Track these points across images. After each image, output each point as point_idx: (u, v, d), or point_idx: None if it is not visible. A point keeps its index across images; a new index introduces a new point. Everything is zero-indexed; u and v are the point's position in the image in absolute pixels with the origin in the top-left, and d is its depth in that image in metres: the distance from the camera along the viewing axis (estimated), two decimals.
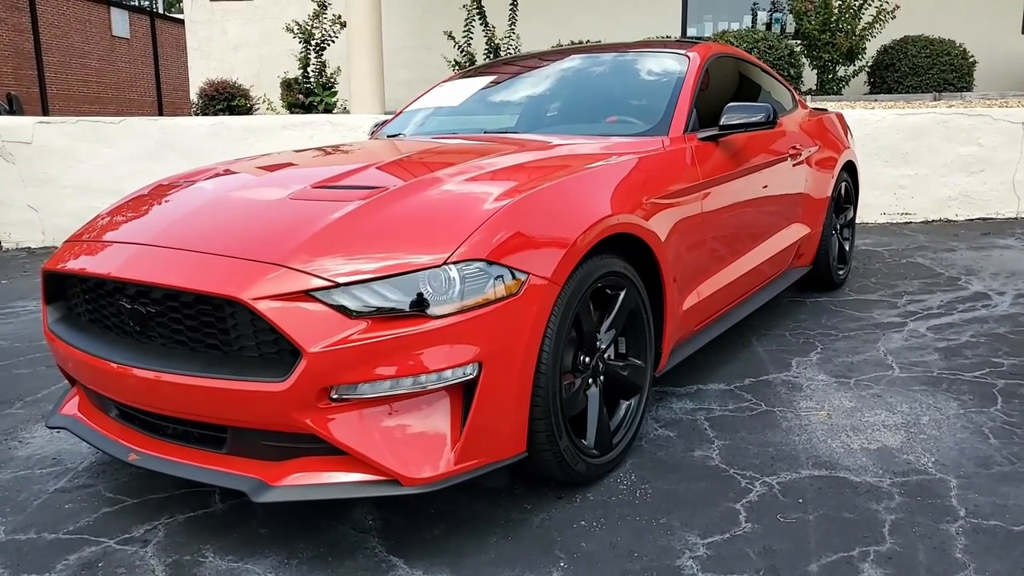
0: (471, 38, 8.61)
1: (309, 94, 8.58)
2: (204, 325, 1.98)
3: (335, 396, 1.86)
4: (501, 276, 1.95)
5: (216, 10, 10.15)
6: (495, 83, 3.72)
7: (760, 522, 2.11)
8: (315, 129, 6.87)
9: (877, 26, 8.03)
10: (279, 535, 2.15)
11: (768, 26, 9.58)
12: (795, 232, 3.82)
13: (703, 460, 2.48)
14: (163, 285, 1.97)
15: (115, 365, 2.07)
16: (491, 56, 8.60)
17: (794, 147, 3.74)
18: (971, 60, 8.36)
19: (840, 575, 1.86)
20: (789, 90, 4.38)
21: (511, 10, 8.45)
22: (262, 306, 1.84)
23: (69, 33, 23.88)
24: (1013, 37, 9.22)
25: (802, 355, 3.41)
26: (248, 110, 9.08)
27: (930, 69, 8.15)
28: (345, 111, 8.64)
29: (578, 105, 3.36)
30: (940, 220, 6.61)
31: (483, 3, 8.51)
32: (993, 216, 6.57)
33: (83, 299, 2.31)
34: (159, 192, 2.63)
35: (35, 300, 5.13)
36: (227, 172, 2.75)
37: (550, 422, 2.09)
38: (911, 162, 6.49)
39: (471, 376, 1.92)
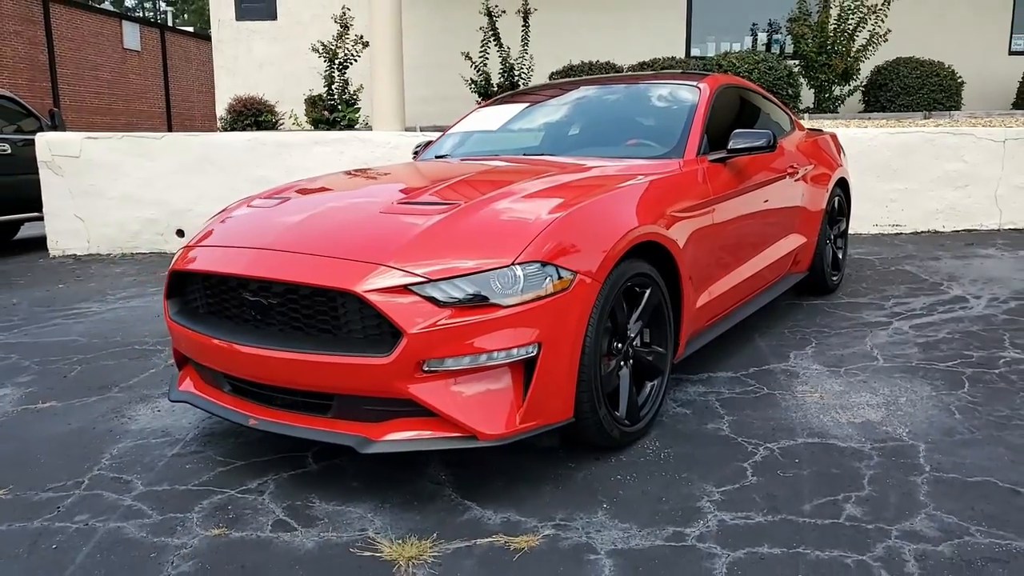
0: (487, 58, 9.15)
1: (333, 110, 9.11)
2: (318, 313, 2.48)
3: (426, 368, 2.36)
4: (555, 274, 2.45)
5: (242, 29, 10.70)
6: (526, 110, 4.23)
7: (763, 476, 2.60)
8: (345, 145, 7.38)
9: (870, 48, 8.57)
10: (370, 487, 2.64)
11: (767, 47, 10.12)
12: (793, 241, 4.32)
13: (715, 431, 2.97)
14: (288, 281, 2.47)
15: (242, 347, 2.57)
16: (506, 75, 9.13)
17: (792, 166, 4.26)
18: (959, 80, 8.90)
19: (827, 512, 2.36)
20: (787, 113, 4.90)
21: (523, 32, 8.98)
22: (372, 297, 2.34)
23: (82, 46, 24.47)
24: (1000, 58, 9.77)
25: (799, 349, 3.91)
26: (273, 125, 9.60)
27: (920, 89, 8.69)
28: (367, 127, 9.16)
29: (602, 131, 3.87)
30: (928, 231, 7.12)
31: (497, 26, 9.05)
32: (977, 228, 7.08)
33: (204, 294, 2.81)
34: (256, 207, 3.13)
35: (97, 302, 5.64)
36: (315, 190, 3.26)
37: (592, 394, 2.59)
38: (901, 177, 7.01)
39: (533, 354, 2.41)
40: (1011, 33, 9.97)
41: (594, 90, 4.22)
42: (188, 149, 7.51)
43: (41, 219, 8.46)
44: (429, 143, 4.48)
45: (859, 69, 8.68)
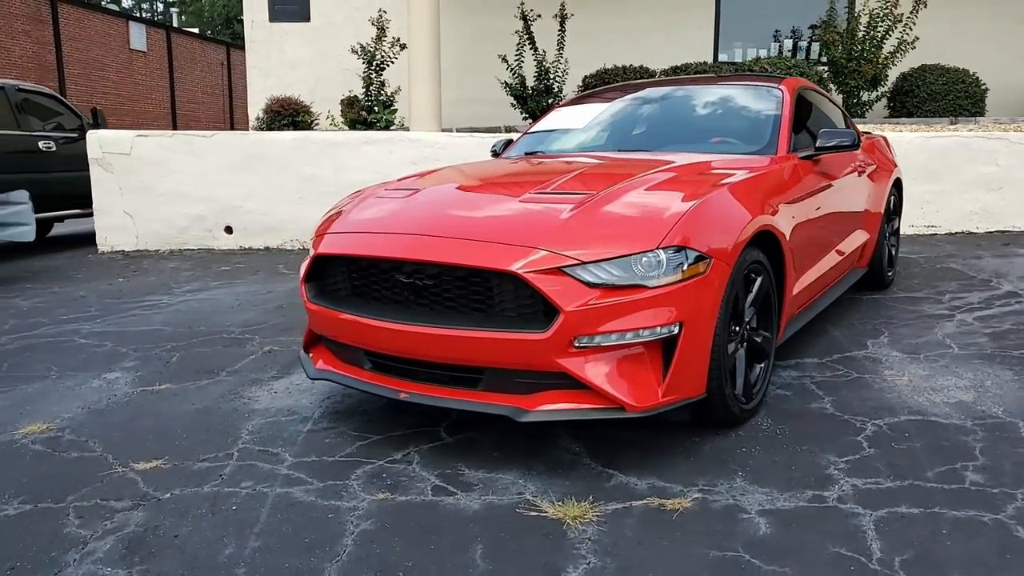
0: (522, 62, 9.36)
1: (370, 111, 9.30)
2: (472, 293, 2.68)
3: (577, 344, 2.55)
4: (694, 259, 2.64)
5: (275, 31, 10.88)
6: (608, 109, 4.43)
7: (879, 448, 2.81)
8: (394, 145, 7.57)
9: (898, 55, 8.82)
10: (510, 458, 2.82)
11: (793, 53, 10.39)
12: (860, 237, 4.54)
13: (820, 410, 3.18)
14: (448, 263, 2.66)
15: (393, 325, 2.75)
16: (541, 78, 9.34)
17: (861, 165, 4.48)
18: (983, 87, 9.17)
19: (951, 479, 2.56)
20: (845, 115, 5.12)
21: (559, 36, 9.20)
22: (530, 277, 2.53)
23: (90, 46, 24.58)
24: (1019, 66, 10.05)
25: (873, 338, 4.12)
26: (309, 125, 9.77)
27: (947, 95, 8.95)
28: (403, 128, 9.34)
29: (691, 128, 4.08)
30: (962, 232, 7.37)
31: (532, 29, 9.26)
32: (1010, 229, 7.33)
33: (349, 277, 2.99)
34: (388, 197, 3.32)
35: (164, 295, 5.80)
36: (441, 184, 3.47)
37: (720, 372, 2.79)
38: (936, 179, 7.25)
39: (674, 332, 2.61)
40: None
41: (673, 90, 4.43)
42: (237, 147, 7.68)
43: (83, 216, 8.62)
44: (509, 142, 4.66)
45: (887, 76, 8.94)
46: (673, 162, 3.32)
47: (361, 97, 9.40)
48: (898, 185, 5.31)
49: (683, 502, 2.46)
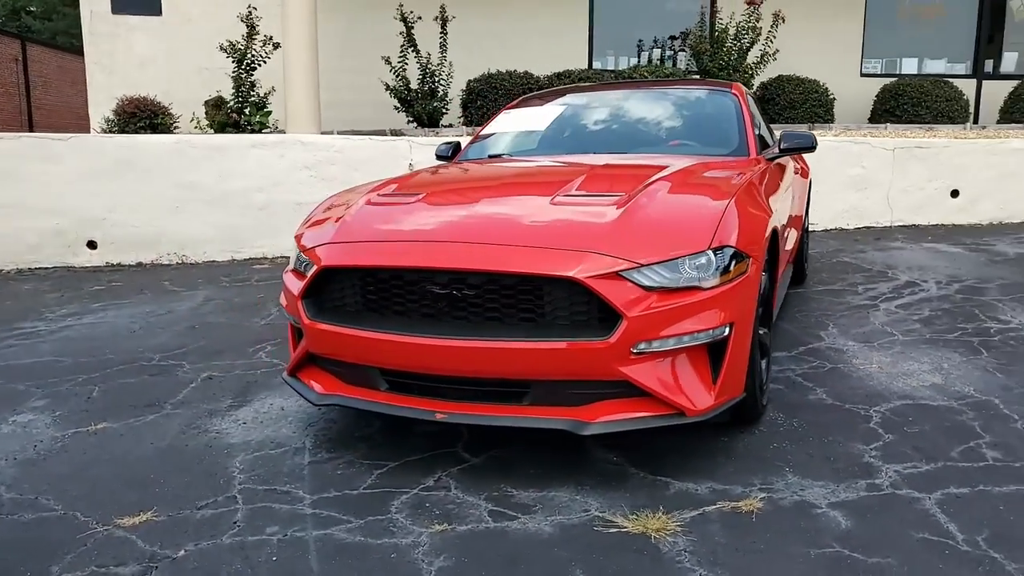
0: (405, 64, 9.13)
1: (240, 113, 8.69)
2: (521, 302, 2.52)
3: (636, 351, 2.47)
4: (739, 258, 2.65)
5: (120, 24, 9.88)
6: (571, 111, 4.37)
7: (895, 433, 2.95)
8: (285, 148, 7.10)
9: (762, 65, 9.49)
10: (552, 474, 2.69)
11: (661, 61, 10.88)
12: (795, 234, 4.80)
13: (819, 401, 3.29)
14: (500, 271, 2.48)
15: (429, 340, 2.53)
16: (425, 81, 9.15)
17: (797, 168, 4.73)
18: (832, 97, 10.07)
19: (974, 457, 2.73)
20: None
21: (441, 39, 9.06)
22: (592, 283, 2.42)
23: None
24: (854, 80, 11.14)
25: (823, 329, 4.36)
26: (168, 128, 8.97)
27: (803, 104, 9.74)
28: (278, 130, 8.81)
29: (665, 131, 4.11)
30: (836, 229, 8.02)
31: (413, 33, 9.06)
32: (874, 225, 8.07)
33: (362, 290, 2.72)
34: (391, 202, 3.07)
35: (39, 321, 5.07)
36: (444, 186, 3.26)
37: (753, 370, 2.81)
38: (813, 181, 7.83)
39: (726, 334, 2.59)
40: (862, 57, 11.42)
41: (630, 94, 4.46)
42: (101, 152, 6.88)
43: None
44: (457, 145, 4.46)
45: (752, 85, 9.57)
46: (668, 164, 3.32)
47: (230, 98, 8.76)
48: (809, 186, 5.68)
49: (753, 503, 2.44)
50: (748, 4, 9.36)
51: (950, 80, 10.43)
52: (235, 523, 2.42)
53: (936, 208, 8.10)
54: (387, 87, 9.19)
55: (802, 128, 9.19)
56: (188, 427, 3.21)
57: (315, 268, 2.78)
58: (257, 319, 4.94)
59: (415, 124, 9.34)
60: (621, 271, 2.47)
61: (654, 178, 3.03)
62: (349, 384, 2.83)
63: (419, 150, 7.31)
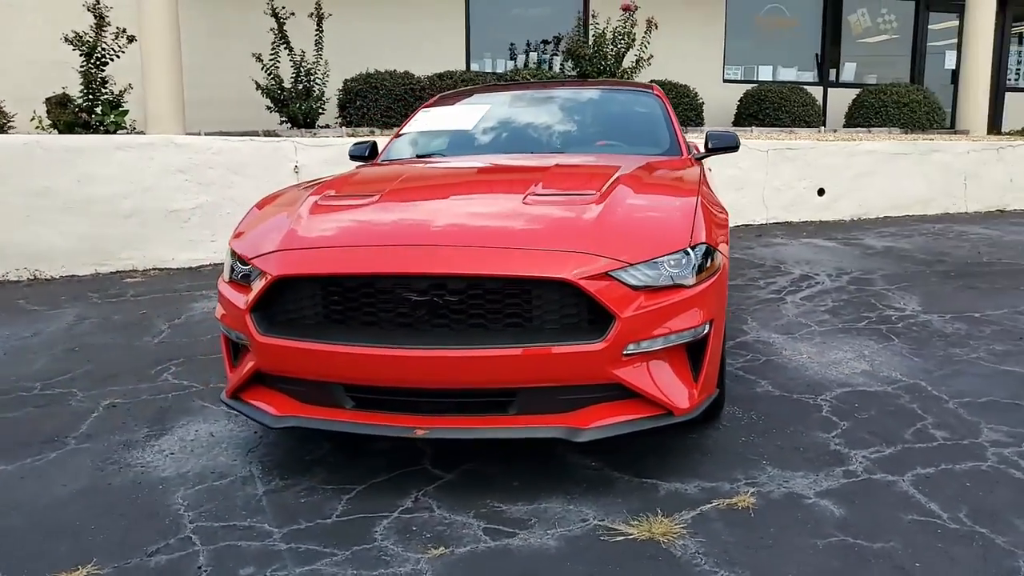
0: (278, 62, 8.68)
1: (91, 112, 7.94)
2: (508, 307, 2.40)
3: (626, 352, 2.42)
4: (711, 255, 2.66)
5: None
6: (498, 109, 4.24)
7: (848, 421, 3.07)
8: (155, 151, 6.54)
9: (638, 70, 9.80)
10: (535, 484, 2.59)
11: (538, 64, 11.00)
12: None
13: (768, 393, 3.39)
14: (486, 275, 2.35)
15: (405, 351, 2.36)
16: (299, 80, 8.75)
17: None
18: (701, 101, 10.58)
19: (926, 437, 2.89)
20: None
21: (317, 36, 8.69)
22: (586, 284, 2.35)
23: None
24: (717, 85, 11.78)
25: (743, 323, 4.52)
26: (2, 128, 8.05)
27: (677, 107, 10.15)
28: (135, 131, 8.13)
29: (601, 130, 4.07)
30: None
31: (286, 29, 8.64)
32: (751, 223, 8.54)
33: (325, 301, 2.50)
34: (345, 204, 2.87)
35: None
36: (399, 184, 3.11)
37: (721, 367, 2.84)
38: None
39: (706, 331, 2.60)
40: (724, 65, 12.09)
41: (554, 93, 4.42)
42: None
43: None
44: (374, 145, 4.24)
45: None
46: (619, 164, 3.30)
47: (78, 96, 7.97)
48: None
49: (746, 499, 2.46)
50: (623, 10, 9.64)
51: (804, 87, 11.24)
52: (200, 568, 2.15)
53: (805, 206, 8.68)
54: (258, 86, 8.70)
55: None
56: (104, 463, 2.84)
57: (267, 278, 2.52)
58: (148, 338, 4.49)
59: (290, 125, 8.90)
60: (610, 271, 2.41)
61: (615, 177, 3.00)
62: (308, 403, 2.60)
63: (305, 152, 6.97)
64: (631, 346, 2.42)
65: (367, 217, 2.73)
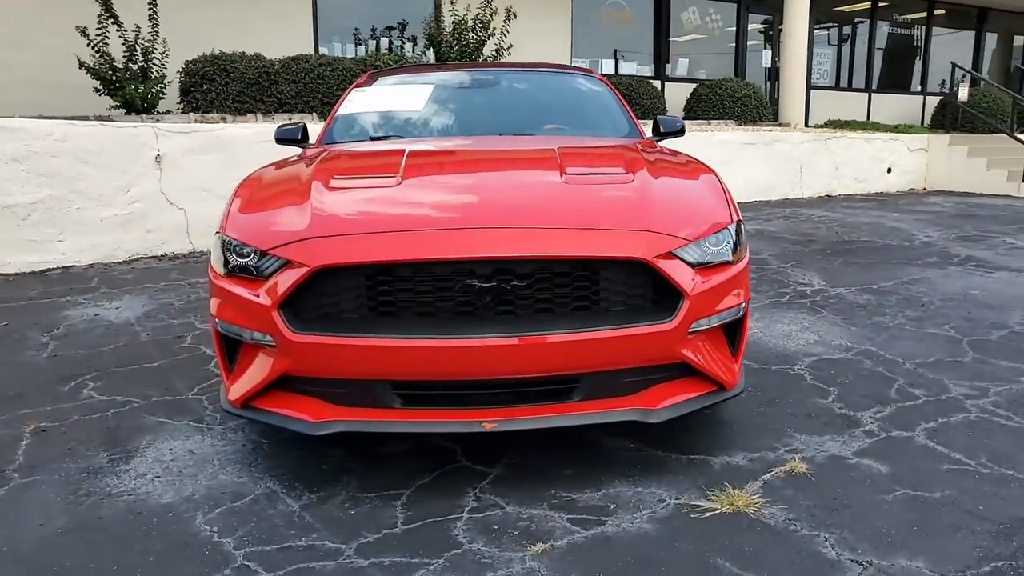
0: (107, 40, 7.84)
1: None
2: (577, 289, 2.35)
3: (690, 331, 2.46)
4: (741, 233, 2.76)
5: None
6: (445, 91, 4.06)
7: (834, 386, 3.31)
8: None
9: (498, 58, 9.90)
10: (593, 471, 2.56)
11: (389, 50, 10.75)
12: None
13: (748, 366, 3.54)
14: (558, 257, 2.29)
15: (470, 341, 2.25)
16: (133, 59, 7.96)
17: None
18: None
19: (909, 396, 3.19)
20: None
21: (151, 11, 7.96)
22: (659, 263, 2.35)
23: None
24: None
25: None
26: None
27: None
28: None
29: (560, 112, 4.01)
30: None
31: (112, 3, 7.83)
32: None
33: (373, 292, 2.31)
34: (365, 186, 2.65)
35: None
36: (416, 160, 2.94)
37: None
38: None
39: (745, 308, 2.69)
40: (571, 57, 12.51)
41: (500, 74, 4.32)
42: None
43: None
44: (304, 128, 3.93)
45: None
46: (611, 144, 3.30)
47: None
48: None
49: (798, 465, 2.58)
50: None
51: (649, 80, 11.89)
52: None
53: None
54: (82, 64, 7.81)
55: None
56: (75, 494, 2.45)
57: (303, 269, 2.28)
58: (32, 352, 3.90)
59: (124, 110, 8.07)
60: (673, 249, 2.43)
61: (631, 158, 3.02)
62: (349, 406, 2.38)
63: (168, 139, 6.38)
64: (694, 324, 2.46)
65: (404, 197, 2.55)
